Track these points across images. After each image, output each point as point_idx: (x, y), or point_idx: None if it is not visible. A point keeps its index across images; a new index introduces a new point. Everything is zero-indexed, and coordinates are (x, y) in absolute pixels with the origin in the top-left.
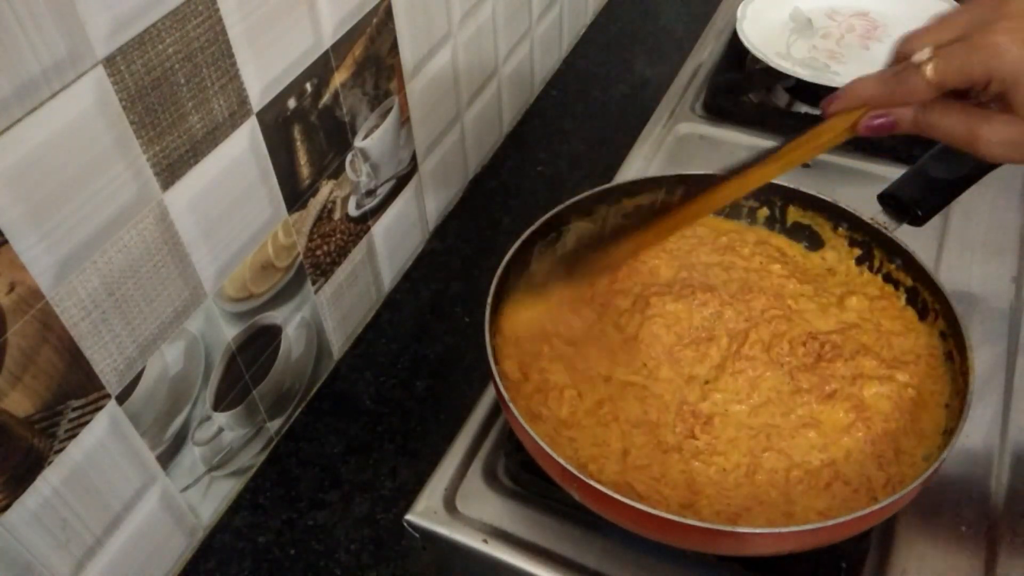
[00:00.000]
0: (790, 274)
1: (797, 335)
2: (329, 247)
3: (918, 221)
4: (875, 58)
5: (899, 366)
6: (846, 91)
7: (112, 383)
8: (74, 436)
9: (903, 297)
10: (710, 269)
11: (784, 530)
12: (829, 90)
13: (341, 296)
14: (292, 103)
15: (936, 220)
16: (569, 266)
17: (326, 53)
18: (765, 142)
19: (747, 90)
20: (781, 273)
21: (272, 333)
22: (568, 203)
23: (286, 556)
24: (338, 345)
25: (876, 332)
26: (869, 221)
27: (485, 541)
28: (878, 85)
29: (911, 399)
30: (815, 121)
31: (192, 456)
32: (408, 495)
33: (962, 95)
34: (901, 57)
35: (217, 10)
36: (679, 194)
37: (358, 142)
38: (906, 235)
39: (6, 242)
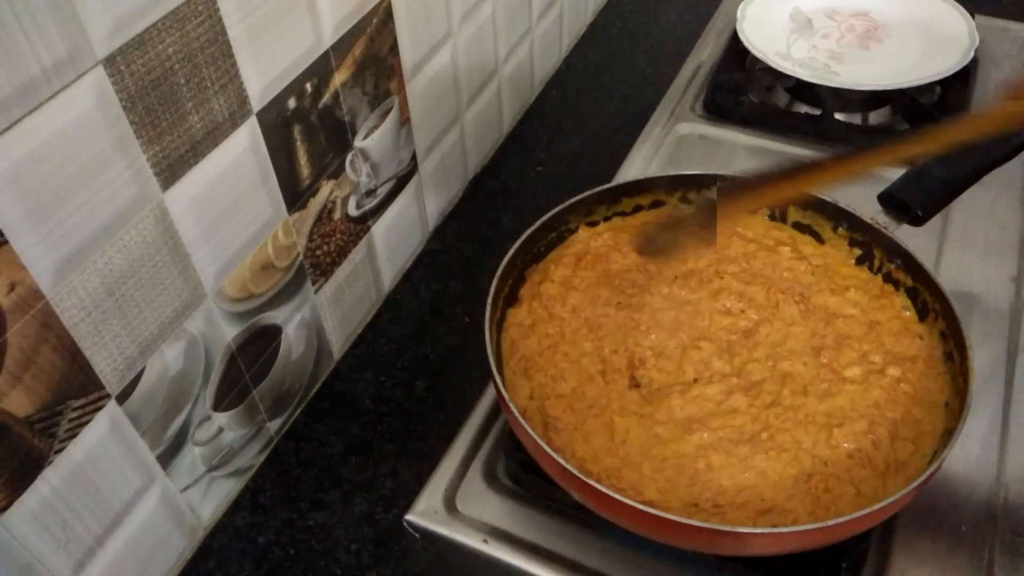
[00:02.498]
0: (799, 257)
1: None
2: (329, 247)
3: (918, 221)
4: (875, 58)
5: (893, 362)
6: None
7: (112, 383)
8: (74, 436)
9: (903, 297)
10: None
11: (784, 530)
12: (829, 90)
13: (341, 296)
14: (292, 103)
15: (936, 220)
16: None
17: (326, 53)
18: (765, 142)
19: (747, 90)
20: (790, 256)
21: (272, 333)
22: (568, 203)
23: (286, 556)
24: (338, 345)
25: (867, 326)
26: (869, 221)
27: (485, 541)
28: None
29: (906, 394)
30: (815, 121)
31: (192, 456)
32: (408, 495)
33: None
34: None
35: (217, 10)
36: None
37: (358, 142)
38: (906, 235)
39: (6, 242)
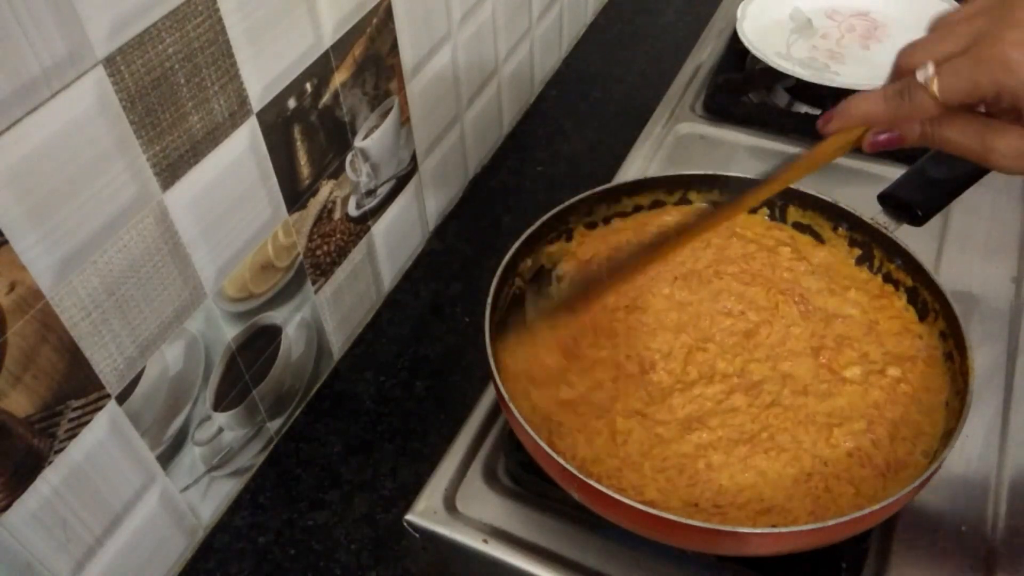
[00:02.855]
0: (799, 258)
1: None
2: (329, 247)
3: (918, 221)
4: (875, 58)
5: (893, 362)
6: (845, 110)
7: (112, 383)
8: (74, 436)
9: (903, 297)
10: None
11: (784, 530)
12: (829, 90)
13: (341, 296)
14: (292, 103)
15: (936, 220)
16: (566, 303)
17: (326, 53)
18: (765, 142)
19: (747, 90)
20: (790, 256)
21: (272, 333)
22: (568, 203)
23: (286, 556)
24: (338, 345)
25: (867, 327)
26: (869, 221)
27: (485, 541)
28: (881, 103)
29: (906, 394)
30: (815, 121)
31: (192, 456)
32: (408, 495)
33: (971, 106)
34: (903, 71)
35: (217, 10)
36: (673, 225)
37: (358, 142)
38: (906, 235)
39: (6, 242)
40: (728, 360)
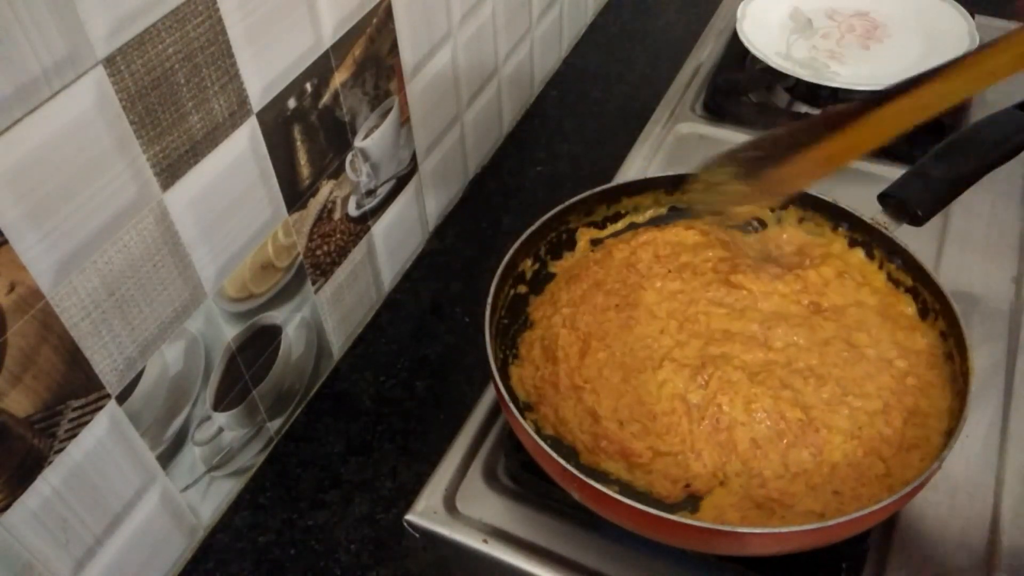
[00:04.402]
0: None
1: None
2: (329, 247)
3: (918, 221)
4: (875, 58)
5: (901, 354)
6: None
7: (112, 383)
8: (74, 436)
9: (903, 297)
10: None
11: (784, 530)
12: (829, 90)
13: (341, 296)
14: (292, 103)
15: (936, 220)
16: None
17: (326, 53)
18: None
19: (747, 90)
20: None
21: (272, 333)
22: (568, 203)
23: (286, 556)
24: (338, 345)
25: (879, 314)
26: (869, 221)
27: (485, 541)
28: None
29: (914, 387)
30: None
31: (192, 456)
32: (408, 495)
33: None
34: None
35: (217, 10)
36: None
37: (358, 142)
38: (906, 235)
39: (6, 242)
40: (717, 345)
